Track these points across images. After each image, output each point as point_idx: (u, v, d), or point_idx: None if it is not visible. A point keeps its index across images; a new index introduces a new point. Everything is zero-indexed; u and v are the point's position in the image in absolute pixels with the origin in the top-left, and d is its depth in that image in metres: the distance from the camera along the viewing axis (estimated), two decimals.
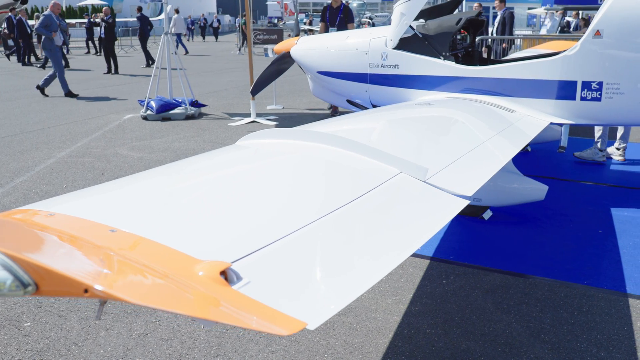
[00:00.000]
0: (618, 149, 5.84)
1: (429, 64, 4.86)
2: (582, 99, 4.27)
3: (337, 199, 1.64)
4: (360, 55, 5.23)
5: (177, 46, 22.67)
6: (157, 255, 1.08)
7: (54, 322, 2.91)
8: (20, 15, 18.16)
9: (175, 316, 2.93)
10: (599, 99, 4.22)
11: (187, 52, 22.77)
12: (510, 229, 4.05)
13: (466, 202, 1.93)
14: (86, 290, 0.89)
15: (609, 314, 2.92)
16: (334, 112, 8.62)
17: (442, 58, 4.80)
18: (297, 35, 6.67)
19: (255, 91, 6.22)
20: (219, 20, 38.84)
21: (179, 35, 22.49)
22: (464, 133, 3.24)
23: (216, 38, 36.03)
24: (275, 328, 0.94)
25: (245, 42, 21.67)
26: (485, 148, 2.79)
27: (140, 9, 16.83)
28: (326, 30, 8.33)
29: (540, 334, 2.75)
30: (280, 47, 6.15)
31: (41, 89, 10.87)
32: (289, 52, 5.91)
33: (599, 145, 5.72)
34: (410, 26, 4.92)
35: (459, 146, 2.72)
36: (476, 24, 5.45)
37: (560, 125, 4.56)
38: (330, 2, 8.60)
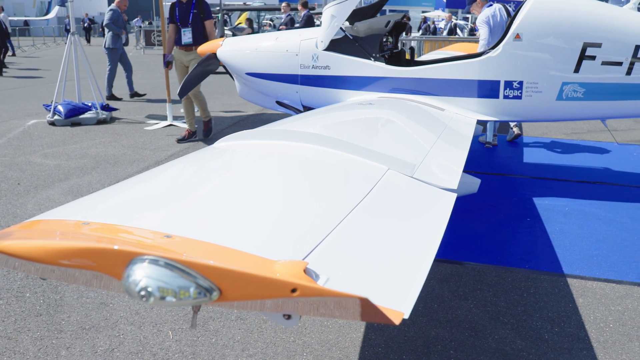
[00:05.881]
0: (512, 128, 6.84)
1: (360, 65, 4.98)
2: (505, 97, 4.59)
3: (348, 198, 1.67)
4: (290, 57, 5.26)
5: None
6: (235, 259, 1.06)
7: (4, 345, 2.68)
8: None
9: (139, 327, 2.81)
10: (519, 97, 4.55)
11: (14, 53, 21.48)
12: (449, 222, 4.26)
13: (454, 195, 2.03)
14: (294, 290, 0.85)
15: (553, 294, 3.18)
16: (188, 136, 7.05)
17: (372, 59, 4.95)
18: (222, 36, 6.55)
19: (182, 93, 6.04)
20: None
21: None
22: (419, 130, 3.38)
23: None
24: (384, 317, 0.96)
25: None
26: (443, 142, 2.94)
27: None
28: (177, 33, 6.78)
29: (499, 316, 2.94)
30: (205, 48, 6.02)
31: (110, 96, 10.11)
32: (214, 54, 5.80)
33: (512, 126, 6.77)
34: (341, 28, 5.02)
35: (421, 142, 2.84)
36: (400, 27, 5.67)
37: (485, 122, 4.87)
38: None
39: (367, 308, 0.91)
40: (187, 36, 6.70)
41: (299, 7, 12.14)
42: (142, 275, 0.90)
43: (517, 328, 2.83)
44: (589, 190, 5.03)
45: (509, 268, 3.49)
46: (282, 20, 12.93)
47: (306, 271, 1.08)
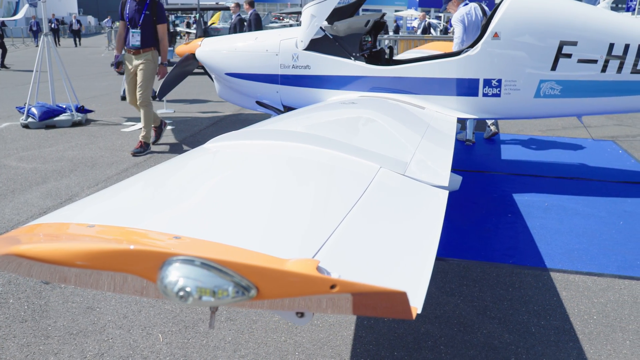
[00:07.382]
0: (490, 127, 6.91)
1: (340, 64, 5.01)
2: (484, 95, 4.66)
3: (346, 197, 1.68)
4: (270, 57, 5.26)
5: None
6: (247, 258, 1.06)
7: None
8: None
9: (128, 331, 2.78)
10: (498, 95, 4.63)
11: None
12: None
13: (447, 192, 2.06)
14: (333, 286, 0.85)
15: (537, 287, 3.24)
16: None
17: (352, 58, 4.97)
18: (201, 36, 6.49)
19: (161, 94, 5.99)
20: (79, 22, 35.33)
21: None
22: (404, 129, 3.41)
23: (77, 42, 32.32)
24: (408, 312, 0.97)
25: None
26: (428, 140, 2.97)
27: None
28: (125, 32, 6.33)
29: (486, 311, 2.99)
30: (183, 48, 5.98)
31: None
32: (193, 54, 5.76)
33: (489, 123, 6.81)
34: (321, 27, 5.04)
35: (407, 140, 2.87)
36: (378, 26, 5.70)
37: (465, 120, 4.94)
38: None
39: (399, 303, 0.92)
40: (135, 38, 6.17)
41: (246, 7, 11.84)
42: (178, 275, 0.89)
43: (505, 322, 2.88)
44: (567, 185, 5.14)
45: (493, 263, 3.55)
46: (232, 20, 12.26)
47: (318, 269, 1.09)
